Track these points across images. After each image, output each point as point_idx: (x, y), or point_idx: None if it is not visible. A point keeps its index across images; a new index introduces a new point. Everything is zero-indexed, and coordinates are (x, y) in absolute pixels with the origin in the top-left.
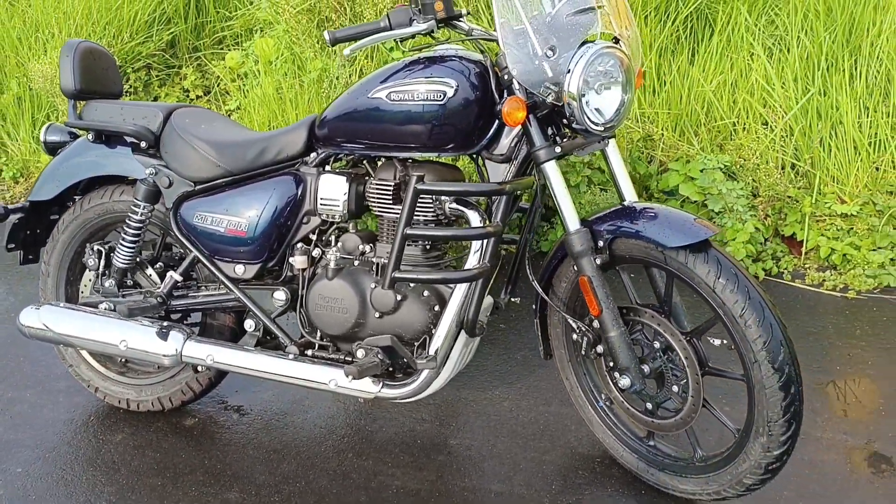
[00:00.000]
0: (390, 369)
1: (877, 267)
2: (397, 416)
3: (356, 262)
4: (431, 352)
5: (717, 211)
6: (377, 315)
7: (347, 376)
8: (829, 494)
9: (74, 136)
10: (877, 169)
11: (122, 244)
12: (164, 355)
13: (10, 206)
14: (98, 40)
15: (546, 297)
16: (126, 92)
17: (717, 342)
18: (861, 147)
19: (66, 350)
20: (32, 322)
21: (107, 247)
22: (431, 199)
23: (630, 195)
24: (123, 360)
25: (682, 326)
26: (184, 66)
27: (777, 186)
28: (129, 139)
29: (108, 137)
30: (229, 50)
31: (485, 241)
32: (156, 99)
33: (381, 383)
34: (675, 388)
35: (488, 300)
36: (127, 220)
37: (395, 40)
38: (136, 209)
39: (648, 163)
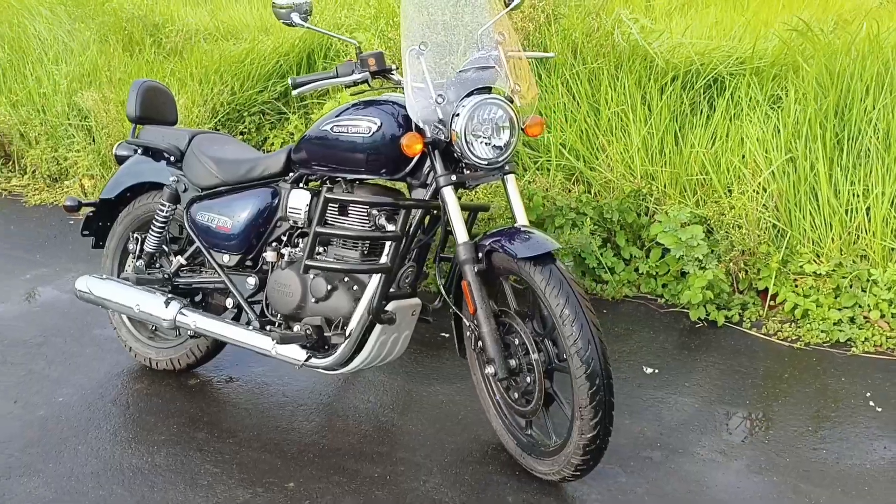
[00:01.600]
0: (326, 347)
1: (832, 324)
2: (350, 396)
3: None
4: (347, 331)
5: (678, 257)
6: (314, 300)
7: (273, 341)
8: (677, 495)
9: (136, 152)
10: (849, 234)
11: (150, 234)
12: (164, 319)
13: (83, 201)
14: (223, 88)
15: (447, 299)
16: (241, 132)
17: (648, 370)
18: (836, 213)
19: (113, 316)
20: (82, 287)
21: (143, 236)
22: (367, 214)
23: (521, 220)
24: (152, 329)
25: (544, 330)
26: (291, 113)
27: (747, 241)
28: (165, 154)
29: (153, 153)
30: (330, 98)
31: (390, 245)
32: (265, 140)
33: (308, 354)
34: (528, 380)
35: (415, 301)
36: (155, 216)
37: (343, 86)
38: (163, 207)
39: (646, 214)
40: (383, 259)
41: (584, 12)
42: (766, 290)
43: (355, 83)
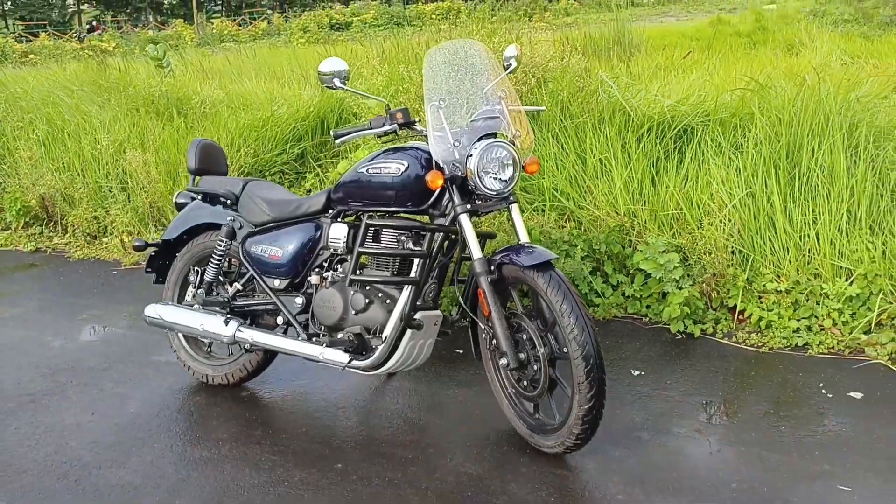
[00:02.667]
0: (363, 352)
1: (791, 331)
2: (382, 400)
3: (346, 281)
4: (383, 336)
5: (659, 279)
6: (354, 312)
7: (322, 345)
8: (661, 463)
9: (193, 199)
10: (803, 256)
11: (209, 266)
12: (225, 335)
13: (148, 242)
14: (247, 151)
15: (465, 308)
16: None
17: (635, 372)
18: (791, 238)
19: (172, 339)
20: (151, 313)
21: (202, 269)
22: (396, 239)
23: (524, 238)
24: (208, 349)
25: (546, 327)
26: (308, 172)
27: (717, 265)
28: (222, 199)
29: (211, 199)
30: (343, 158)
31: (418, 262)
32: None
33: (350, 357)
34: (535, 368)
35: (437, 313)
36: (214, 250)
37: (375, 136)
38: (221, 243)
39: (629, 246)
40: (413, 273)
41: (571, 75)
42: (735, 306)
43: (386, 133)
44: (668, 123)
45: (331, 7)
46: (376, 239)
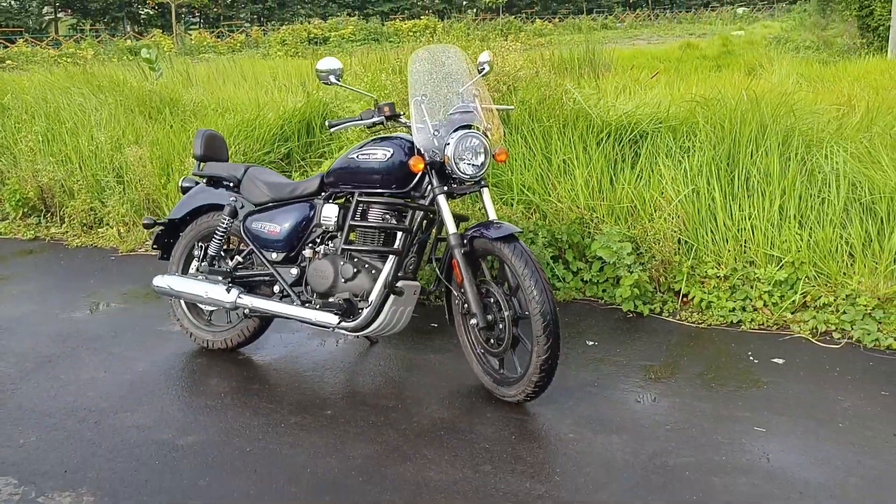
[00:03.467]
0: (351, 315)
1: (728, 311)
2: (365, 362)
3: (337, 253)
4: (369, 300)
5: (612, 263)
6: (343, 280)
7: (315, 307)
8: (607, 410)
9: (197, 184)
10: (740, 246)
11: (213, 241)
12: (227, 301)
13: (156, 220)
14: (237, 149)
15: (441, 277)
16: None
17: (590, 343)
18: (730, 230)
19: (175, 308)
20: (160, 283)
21: (205, 244)
22: (381, 217)
23: (493, 216)
24: (208, 317)
25: (510, 291)
26: (294, 171)
27: (665, 253)
28: (225, 183)
29: (214, 182)
30: (327, 158)
31: (401, 235)
32: None
33: (339, 319)
34: (500, 327)
35: (416, 283)
36: (217, 227)
37: (365, 126)
38: (224, 221)
39: (588, 237)
40: (396, 245)
41: (538, 84)
42: (680, 289)
43: (374, 124)
44: (625, 129)
45: (309, 22)
46: (364, 216)
